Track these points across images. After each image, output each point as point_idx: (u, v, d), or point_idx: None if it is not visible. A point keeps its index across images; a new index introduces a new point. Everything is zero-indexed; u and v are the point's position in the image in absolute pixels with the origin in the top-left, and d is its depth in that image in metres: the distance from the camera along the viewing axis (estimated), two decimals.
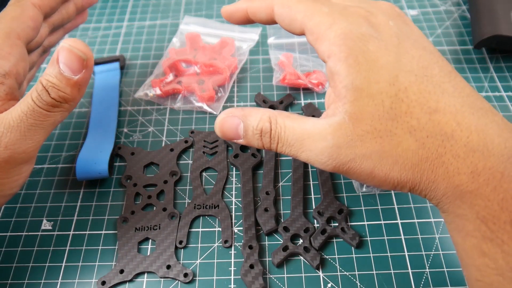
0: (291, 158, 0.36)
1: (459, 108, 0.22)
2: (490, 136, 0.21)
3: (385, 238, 0.31)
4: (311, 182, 0.34)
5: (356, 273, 0.30)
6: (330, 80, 0.24)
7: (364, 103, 0.22)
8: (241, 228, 0.32)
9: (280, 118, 0.25)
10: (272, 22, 0.28)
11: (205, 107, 0.39)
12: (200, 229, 0.32)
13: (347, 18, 0.24)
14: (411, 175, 0.22)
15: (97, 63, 0.43)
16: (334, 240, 0.31)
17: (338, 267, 0.30)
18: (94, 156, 0.35)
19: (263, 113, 0.25)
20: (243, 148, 0.36)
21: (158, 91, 0.40)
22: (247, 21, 0.30)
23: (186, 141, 0.37)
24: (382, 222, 0.32)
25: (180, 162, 0.36)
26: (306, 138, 0.24)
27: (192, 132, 0.38)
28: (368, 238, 0.31)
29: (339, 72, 0.23)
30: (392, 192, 0.34)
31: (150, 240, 0.32)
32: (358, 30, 0.24)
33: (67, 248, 0.32)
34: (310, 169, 0.35)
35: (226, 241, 0.31)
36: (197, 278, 0.30)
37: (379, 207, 0.33)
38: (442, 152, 0.21)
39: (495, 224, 0.21)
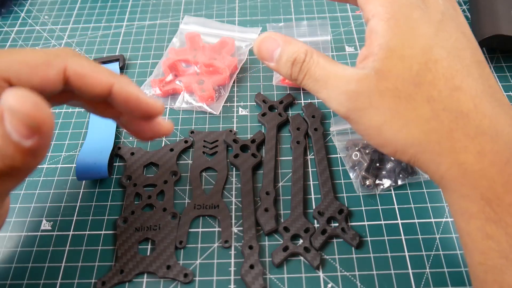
0: (291, 158, 0.36)
1: (479, 93, 0.23)
2: (501, 124, 0.22)
3: (385, 238, 0.31)
4: (311, 182, 0.34)
5: (356, 273, 0.29)
6: (367, 39, 0.25)
7: (393, 63, 0.23)
8: (241, 228, 0.32)
9: (315, 54, 0.26)
10: None
11: (205, 107, 0.39)
12: (200, 229, 0.32)
13: None
14: (417, 142, 0.23)
15: None
16: (334, 240, 0.31)
17: (338, 267, 0.30)
18: (94, 156, 0.35)
19: (302, 45, 0.26)
20: (243, 148, 0.36)
21: (158, 91, 0.40)
22: None
23: (186, 141, 0.37)
24: (383, 222, 0.32)
25: (180, 162, 0.36)
26: (332, 77, 0.25)
27: (192, 132, 0.38)
28: (368, 238, 0.31)
29: (377, 31, 0.24)
30: (392, 192, 0.33)
31: (150, 240, 0.32)
32: None
33: (67, 248, 0.32)
34: (310, 170, 0.35)
35: (226, 241, 0.31)
36: (197, 278, 0.30)
37: (379, 207, 0.33)
38: (454, 128, 0.22)
39: (499, 206, 0.21)
